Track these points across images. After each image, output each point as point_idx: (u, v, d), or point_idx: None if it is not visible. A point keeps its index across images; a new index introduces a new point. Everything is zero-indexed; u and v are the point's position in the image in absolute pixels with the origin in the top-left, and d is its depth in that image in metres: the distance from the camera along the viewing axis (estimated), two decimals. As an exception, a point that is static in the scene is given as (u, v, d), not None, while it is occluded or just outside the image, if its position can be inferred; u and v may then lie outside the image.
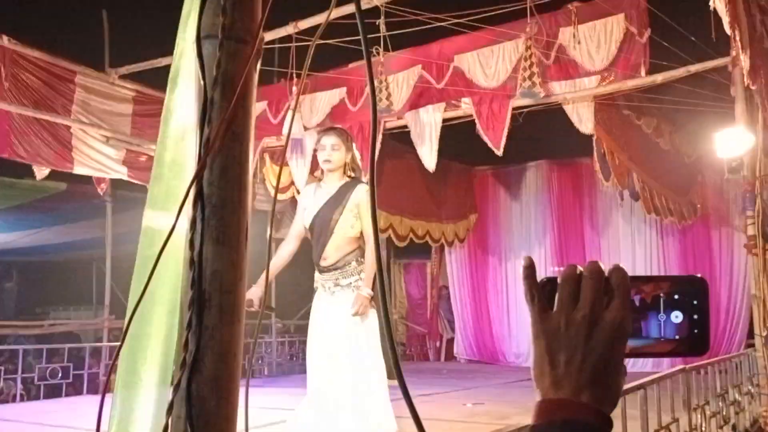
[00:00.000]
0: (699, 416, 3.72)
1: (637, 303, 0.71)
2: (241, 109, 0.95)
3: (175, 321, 0.96)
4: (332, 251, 4.25)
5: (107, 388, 0.94)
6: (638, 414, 3.01)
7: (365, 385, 4.10)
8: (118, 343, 0.92)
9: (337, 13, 6.92)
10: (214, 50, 0.94)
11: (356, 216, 4.27)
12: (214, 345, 0.90)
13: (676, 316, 0.71)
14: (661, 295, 0.72)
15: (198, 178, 0.91)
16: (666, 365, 6.72)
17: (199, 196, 0.91)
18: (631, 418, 2.85)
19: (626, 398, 2.82)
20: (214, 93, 0.93)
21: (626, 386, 2.95)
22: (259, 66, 1.00)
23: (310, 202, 4.40)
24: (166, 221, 1.00)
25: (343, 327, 4.12)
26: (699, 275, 0.73)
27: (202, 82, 0.93)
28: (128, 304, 0.99)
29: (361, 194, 4.28)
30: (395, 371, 0.87)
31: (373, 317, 4.21)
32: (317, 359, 4.22)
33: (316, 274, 4.39)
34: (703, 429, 3.74)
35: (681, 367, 3.64)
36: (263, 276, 4.02)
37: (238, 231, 0.94)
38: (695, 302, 0.72)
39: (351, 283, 4.21)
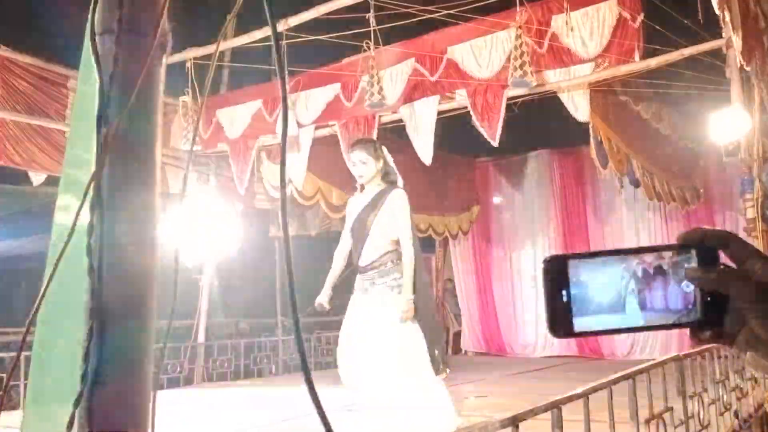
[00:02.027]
0: (696, 404, 3.65)
1: (642, 274, 0.66)
2: (144, 106, 0.90)
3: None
4: (369, 251, 4.47)
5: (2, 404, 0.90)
6: (627, 403, 2.95)
7: (416, 382, 4.19)
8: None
9: (327, 8, 6.91)
10: (111, 45, 0.89)
11: (391, 217, 4.47)
12: (119, 356, 0.86)
13: (687, 285, 0.66)
14: (668, 264, 0.66)
15: (96, 180, 0.86)
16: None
17: (97, 200, 0.86)
18: (620, 407, 2.79)
19: (613, 389, 2.76)
20: (112, 90, 0.88)
21: (614, 377, 2.87)
22: (165, 60, 0.95)
23: (353, 210, 4.67)
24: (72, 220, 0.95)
25: (383, 325, 4.25)
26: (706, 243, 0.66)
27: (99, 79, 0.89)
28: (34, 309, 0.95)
29: (396, 198, 4.51)
30: (302, 368, 0.83)
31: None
32: (355, 359, 4.28)
33: (357, 277, 4.55)
34: (702, 417, 3.67)
35: (675, 354, 3.57)
36: (328, 282, 4.59)
37: (143, 235, 0.90)
38: None
39: (387, 282, 4.39)
